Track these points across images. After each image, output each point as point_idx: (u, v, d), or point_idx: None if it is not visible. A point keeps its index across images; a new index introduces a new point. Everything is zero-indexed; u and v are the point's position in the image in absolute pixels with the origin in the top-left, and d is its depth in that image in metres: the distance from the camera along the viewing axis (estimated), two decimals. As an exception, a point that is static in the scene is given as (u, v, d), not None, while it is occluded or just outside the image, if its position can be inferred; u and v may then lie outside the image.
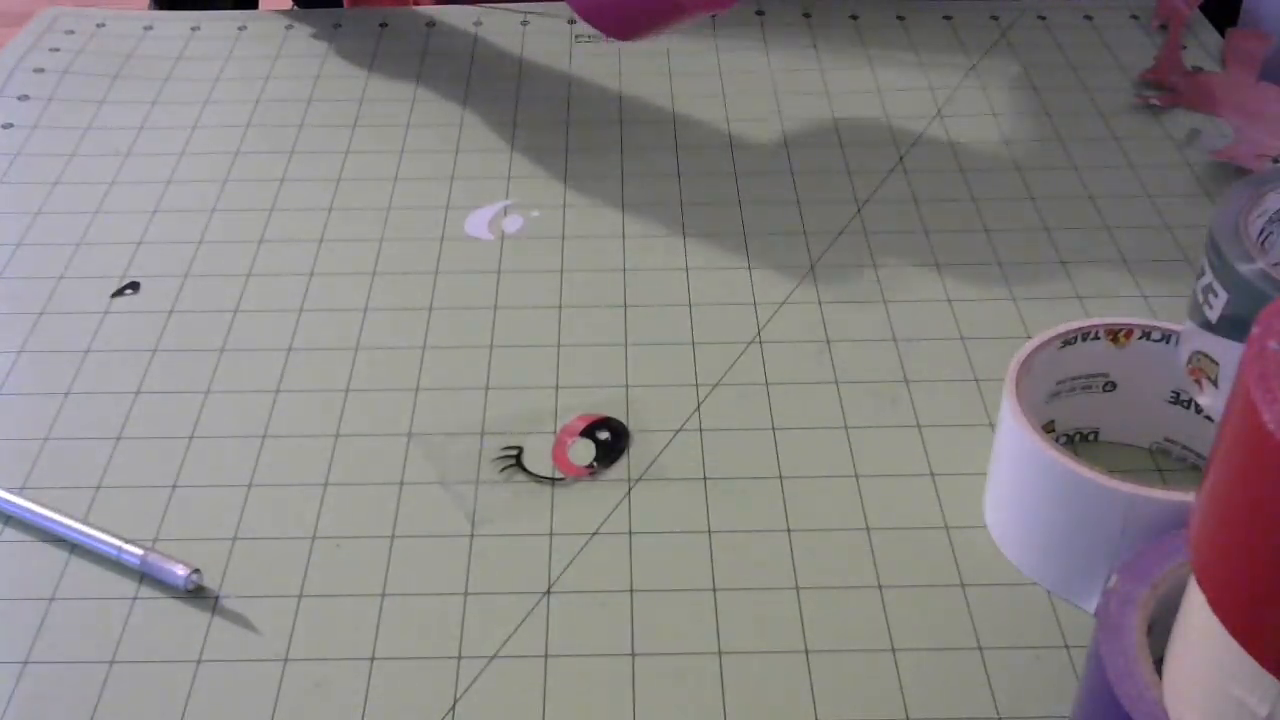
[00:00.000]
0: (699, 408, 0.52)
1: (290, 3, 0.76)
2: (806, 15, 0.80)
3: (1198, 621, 0.31)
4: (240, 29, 0.80)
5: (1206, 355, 0.44)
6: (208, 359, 0.55)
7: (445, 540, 0.46)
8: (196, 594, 0.45)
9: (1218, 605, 0.29)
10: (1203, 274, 0.44)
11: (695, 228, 0.62)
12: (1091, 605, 0.43)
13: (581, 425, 0.51)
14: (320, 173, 0.66)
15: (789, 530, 0.46)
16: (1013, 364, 0.45)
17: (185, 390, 0.53)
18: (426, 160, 0.67)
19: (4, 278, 0.60)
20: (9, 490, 0.48)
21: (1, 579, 0.45)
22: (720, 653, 0.42)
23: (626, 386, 0.53)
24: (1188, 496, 0.40)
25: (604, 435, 0.50)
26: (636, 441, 0.50)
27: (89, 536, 0.46)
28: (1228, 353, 0.43)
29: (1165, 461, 0.49)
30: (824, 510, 0.47)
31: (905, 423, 0.51)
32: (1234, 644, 0.29)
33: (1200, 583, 0.30)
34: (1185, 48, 0.75)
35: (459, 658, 0.42)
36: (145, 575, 0.45)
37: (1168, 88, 0.72)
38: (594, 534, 0.46)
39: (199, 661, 0.42)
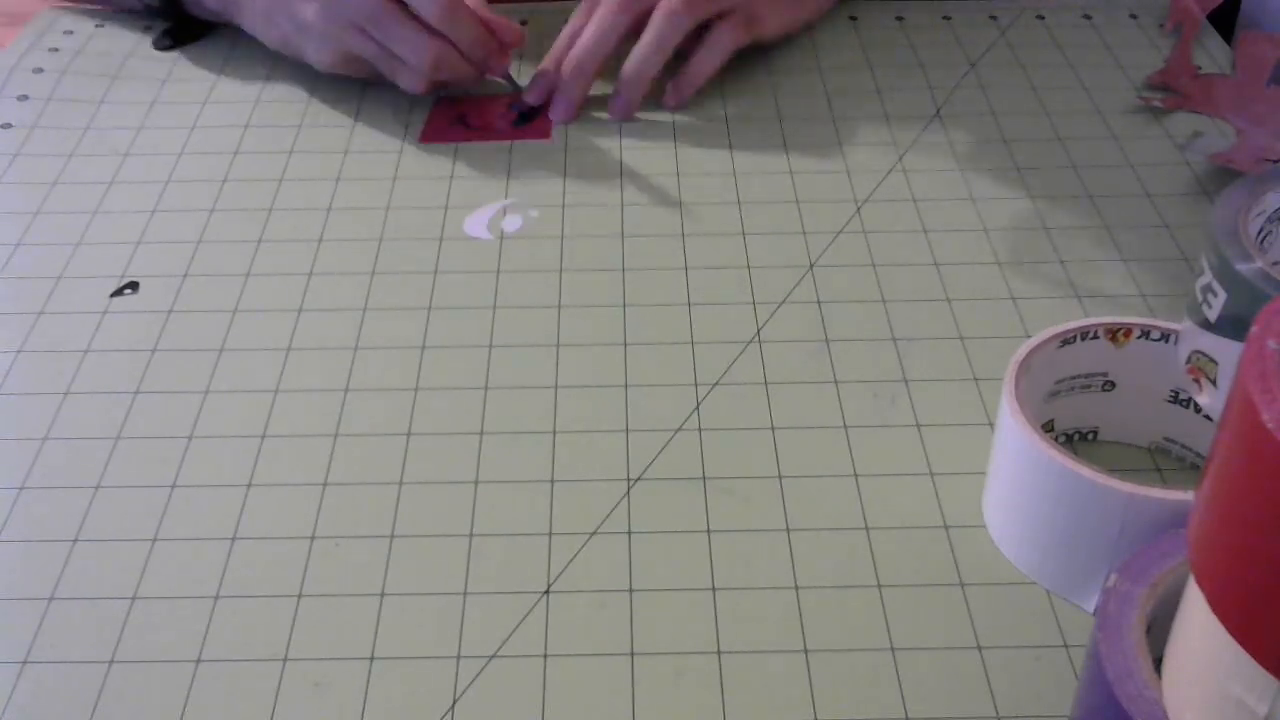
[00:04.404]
0: (698, 407, 0.52)
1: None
2: (806, 15, 0.80)
3: (1197, 620, 0.31)
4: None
5: (1205, 354, 0.44)
6: (207, 359, 0.55)
7: (444, 540, 0.46)
8: (197, 593, 0.45)
9: (1217, 604, 0.29)
10: (1202, 273, 0.44)
11: (694, 227, 0.62)
12: (1091, 604, 0.43)
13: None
14: (319, 173, 0.66)
15: (788, 530, 0.46)
16: (1012, 363, 0.45)
17: (185, 390, 0.53)
18: (425, 160, 0.67)
19: (3, 278, 0.60)
20: (8, 488, 0.48)
21: (1, 579, 0.45)
22: (720, 652, 0.42)
23: (626, 386, 0.53)
24: (1187, 496, 0.40)
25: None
26: (636, 441, 0.50)
27: None
28: (1227, 352, 0.43)
29: (1164, 461, 0.49)
30: (823, 510, 0.47)
31: (904, 422, 0.51)
32: (1233, 643, 0.29)
33: (1199, 582, 0.30)
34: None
35: (458, 657, 0.42)
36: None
37: (1176, 90, 0.72)
38: (593, 534, 0.47)
39: (199, 661, 0.42)
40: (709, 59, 0.70)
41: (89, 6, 0.81)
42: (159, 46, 0.76)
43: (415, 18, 0.65)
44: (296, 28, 0.68)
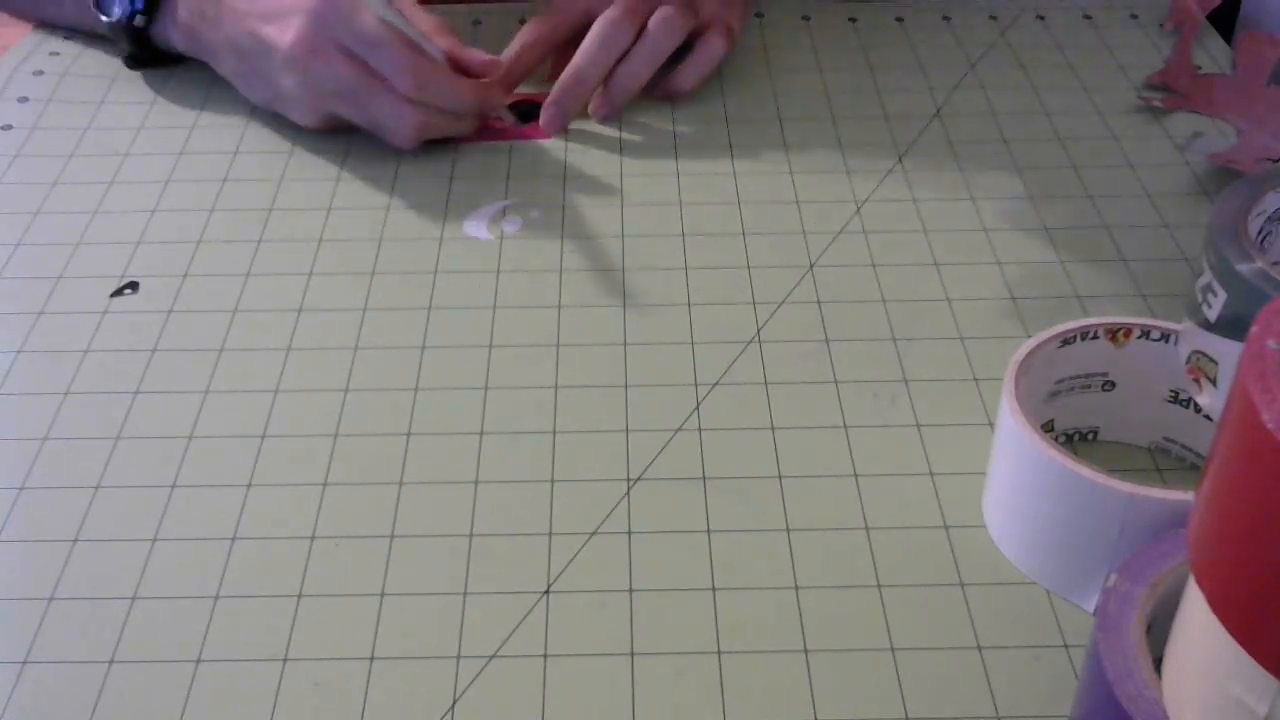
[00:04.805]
0: (698, 407, 0.52)
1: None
2: (805, 18, 0.80)
3: (1197, 620, 0.31)
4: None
5: (1205, 354, 0.44)
6: (207, 359, 0.55)
7: (444, 540, 0.46)
8: (197, 593, 0.45)
9: (1217, 604, 0.29)
10: (1202, 273, 0.44)
11: (694, 227, 0.62)
12: (1091, 604, 0.43)
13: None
14: (319, 172, 0.66)
15: (788, 530, 0.46)
16: (1012, 363, 0.45)
17: (185, 390, 0.53)
18: (425, 160, 0.67)
19: (3, 278, 0.60)
20: (8, 488, 0.48)
21: (1, 579, 0.45)
22: (720, 652, 0.42)
23: (626, 386, 0.53)
24: (1187, 496, 0.40)
25: None
26: (636, 441, 0.50)
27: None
28: (1227, 352, 0.43)
29: (1164, 461, 0.49)
30: (823, 510, 0.47)
31: (904, 422, 0.51)
32: (1233, 643, 0.29)
33: (1199, 582, 0.30)
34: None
35: (458, 657, 0.42)
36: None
37: (1176, 90, 0.72)
38: (593, 533, 0.47)
39: (199, 661, 0.42)
40: (704, 64, 0.71)
41: (66, 31, 0.80)
42: (129, 65, 0.76)
43: (394, 88, 0.64)
44: (277, 95, 0.67)
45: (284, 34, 0.64)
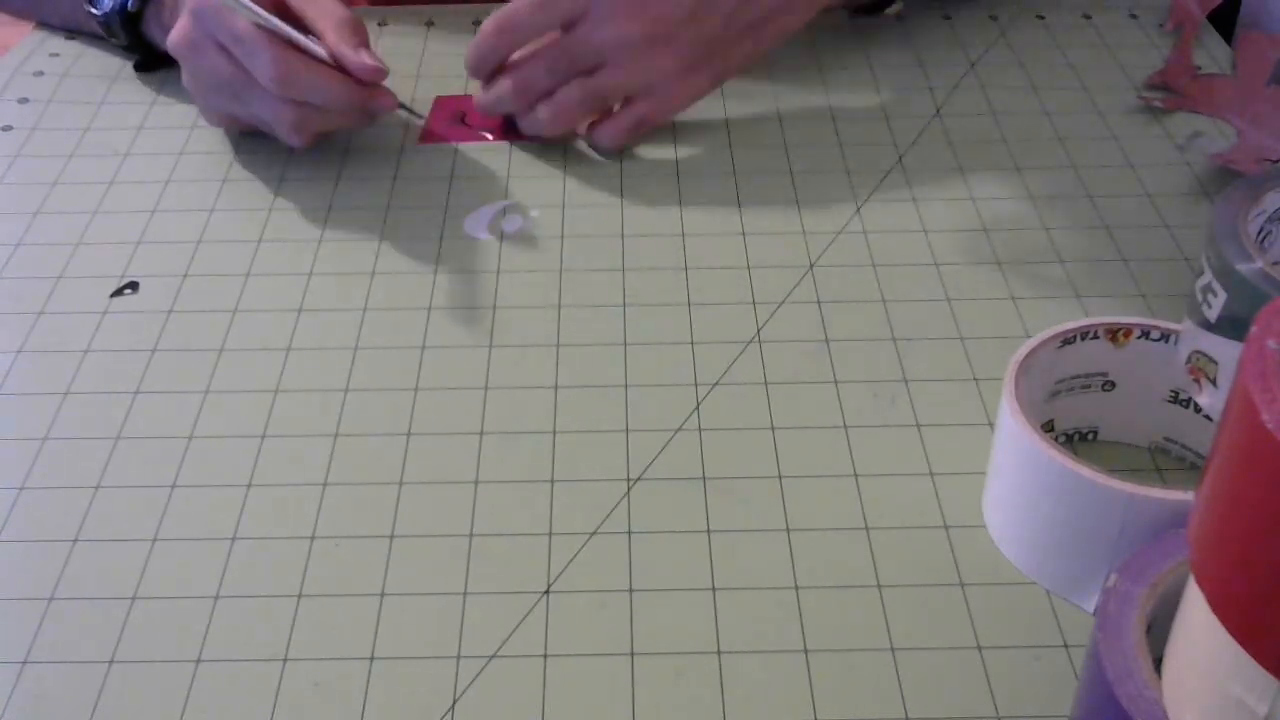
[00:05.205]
0: (698, 407, 0.52)
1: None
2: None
3: (1197, 620, 0.31)
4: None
5: (1205, 354, 0.44)
6: (207, 359, 0.55)
7: (444, 540, 0.46)
8: (197, 593, 0.45)
9: (1217, 604, 0.29)
10: (1202, 273, 0.44)
11: (694, 227, 0.62)
12: (1091, 604, 0.43)
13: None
14: (319, 172, 0.66)
15: (788, 530, 0.46)
16: (1012, 363, 0.45)
17: (184, 390, 0.53)
18: (425, 160, 0.67)
19: (3, 278, 0.60)
20: (8, 488, 0.48)
21: (1, 579, 0.45)
22: (719, 652, 0.42)
23: (626, 386, 0.53)
24: (1187, 496, 0.40)
25: None
26: (636, 441, 0.50)
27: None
28: (1227, 352, 0.43)
29: (1164, 461, 0.49)
30: (823, 510, 0.47)
31: (904, 422, 0.51)
32: (1233, 643, 0.29)
33: (1199, 582, 0.30)
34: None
35: (458, 657, 0.42)
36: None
37: (1176, 90, 0.72)
38: (593, 534, 0.47)
39: (199, 661, 0.42)
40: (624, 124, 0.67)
41: (67, 32, 0.80)
42: (138, 69, 0.76)
43: None
44: (188, 90, 0.67)
45: (174, 29, 0.64)
